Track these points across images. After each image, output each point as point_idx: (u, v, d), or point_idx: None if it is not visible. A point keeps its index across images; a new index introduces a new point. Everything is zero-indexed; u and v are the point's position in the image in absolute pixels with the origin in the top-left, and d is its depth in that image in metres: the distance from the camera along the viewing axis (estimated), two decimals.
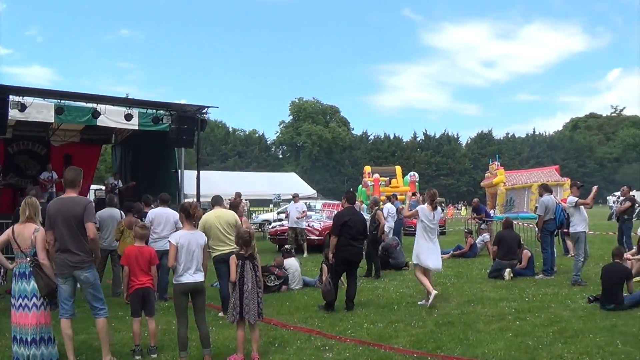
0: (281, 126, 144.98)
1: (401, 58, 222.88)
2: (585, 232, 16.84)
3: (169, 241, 9.94)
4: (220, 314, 13.22)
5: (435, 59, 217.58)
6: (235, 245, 11.27)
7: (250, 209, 48.98)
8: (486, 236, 25.16)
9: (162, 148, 29.82)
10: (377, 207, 20.39)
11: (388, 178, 53.82)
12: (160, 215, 15.63)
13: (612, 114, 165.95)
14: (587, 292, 15.08)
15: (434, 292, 14.10)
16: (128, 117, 25.71)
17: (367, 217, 20.73)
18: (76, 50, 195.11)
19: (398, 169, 58.84)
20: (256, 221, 39.88)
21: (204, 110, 27.20)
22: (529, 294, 15.28)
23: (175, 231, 11.97)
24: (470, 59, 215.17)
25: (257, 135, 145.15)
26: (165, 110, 26.49)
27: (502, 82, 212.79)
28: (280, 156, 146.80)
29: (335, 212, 31.53)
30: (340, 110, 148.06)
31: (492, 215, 32.47)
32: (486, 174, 63.16)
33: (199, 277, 9.76)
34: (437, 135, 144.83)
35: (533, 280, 17.73)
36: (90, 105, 25.19)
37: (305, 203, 30.77)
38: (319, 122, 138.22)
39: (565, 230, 20.54)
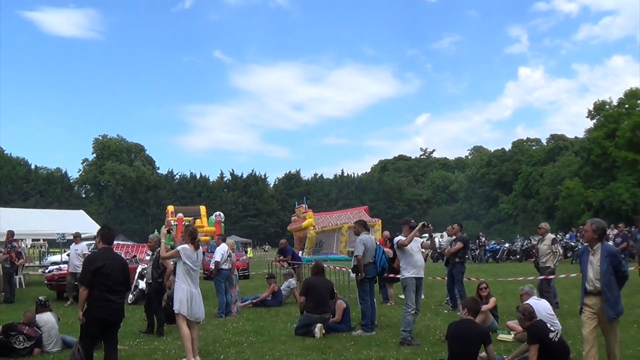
0: (84, 164, 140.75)
1: (211, 99, 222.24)
2: (414, 277, 13.78)
3: None
4: None
5: (245, 101, 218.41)
6: None
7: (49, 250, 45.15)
8: (292, 282, 22.07)
9: None
10: (159, 248, 15.90)
11: (192, 218, 51.16)
12: None
13: (422, 157, 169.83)
14: (422, 355, 12.01)
15: None
16: None
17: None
18: None
19: (202, 208, 56.84)
20: (45, 264, 35.88)
21: None
22: (348, 358, 11.93)
23: None
24: (280, 101, 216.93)
25: (60, 173, 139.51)
26: None
27: (311, 125, 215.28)
28: (84, 195, 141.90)
29: (121, 253, 28.37)
30: (146, 148, 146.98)
31: (300, 257, 29.67)
32: (293, 217, 61.09)
33: None
34: (245, 176, 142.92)
35: (350, 337, 14.37)
36: None
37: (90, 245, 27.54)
38: (124, 161, 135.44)
39: (386, 274, 17.78)
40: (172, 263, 15.11)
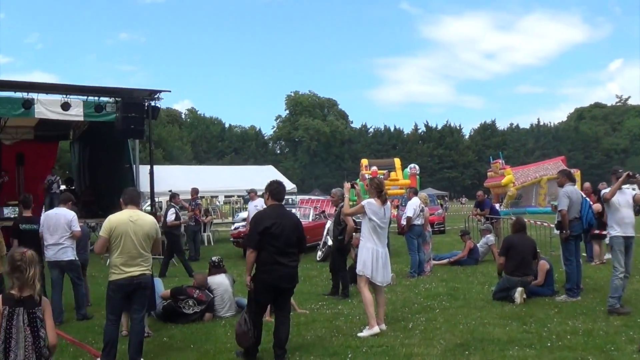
0: (278, 121, 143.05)
1: (401, 52, 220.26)
2: (622, 236, 12.20)
3: None
4: None
5: (436, 52, 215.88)
6: (146, 268, 9.14)
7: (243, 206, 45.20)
8: (490, 238, 20.67)
9: (117, 142, 26.23)
10: (342, 204, 14.06)
11: (387, 171, 50.35)
12: (50, 217, 12.90)
13: (617, 104, 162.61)
14: (635, 328, 10.54)
15: (375, 328, 10.61)
16: (65, 106, 22.33)
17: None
18: (77, 55, 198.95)
19: (397, 161, 55.49)
20: (235, 220, 35.80)
21: (155, 96, 23.76)
22: (552, 331, 10.47)
23: (70, 236, 12.44)
24: (471, 51, 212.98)
25: (254, 131, 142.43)
26: (109, 96, 23.15)
27: (504, 74, 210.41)
28: (278, 151, 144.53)
29: (310, 209, 27.70)
30: (338, 103, 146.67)
31: (498, 210, 28.13)
32: (489, 172, 58.80)
33: None
34: (439, 127, 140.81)
35: (554, 303, 12.95)
36: (20, 94, 21.95)
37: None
38: (317, 116, 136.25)
39: (598, 231, 16.31)
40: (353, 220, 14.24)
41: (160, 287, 12.95)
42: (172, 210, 20.07)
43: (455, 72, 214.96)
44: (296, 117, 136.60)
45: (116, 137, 24.44)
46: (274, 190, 9.79)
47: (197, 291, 12.53)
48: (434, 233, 27.38)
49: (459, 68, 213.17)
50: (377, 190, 11.14)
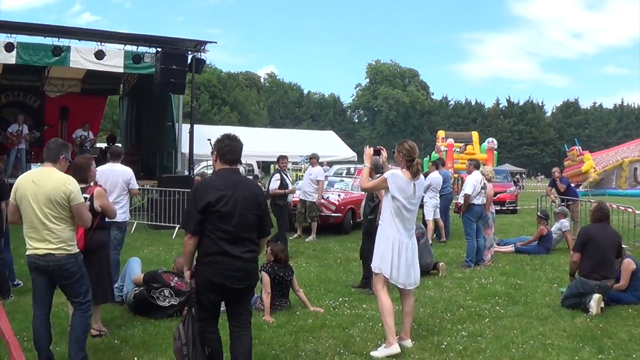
0: (357, 89, 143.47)
1: (489, 27, 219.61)
2: None
3: None
4: None
5: (524, 29, 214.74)
6: (56, 246, 6.74)
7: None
8: (565, 223, 17.93)
9: (162, 97, 24.62)
10: (378, 175, 10.30)
11: (463, 144, 49.03)
12: (106, 175, 11.34)
13: None
14: None
15: (395, 347, 7.86)
16: (99, 54, 21.11)
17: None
18: (164, 17, 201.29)
19: (475, 134, 54.51)
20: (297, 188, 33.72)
21: (201, 47, 22.27)
22: None
23: (126, 194, 11.49)
24: (559, 29, 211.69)
25: (333, 98, 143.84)
26: (148, 45, 21.71)
27: (590, 54, 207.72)
28: (356, 120, 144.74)
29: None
30: (420, 74, 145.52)
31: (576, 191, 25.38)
32: (565, 162, 54.92)
33: None
34: (521, 103, 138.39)
35: (639, 315, 10.10)
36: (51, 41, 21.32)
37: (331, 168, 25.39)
38: (397, 86, 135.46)
39: None
40: None
41: (136, 270, 10.41)
42: (277, 175, 16.77)
43: (541, 49, 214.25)
44: (376, 86, 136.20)
45: (155, 92, 22.79)
46: (225, 148, 6.69)
47: (176, 278, 9.86)
48: (505, 212, 25.16)
49: (545, 46, 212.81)
50: (407, 158, 8.28)
